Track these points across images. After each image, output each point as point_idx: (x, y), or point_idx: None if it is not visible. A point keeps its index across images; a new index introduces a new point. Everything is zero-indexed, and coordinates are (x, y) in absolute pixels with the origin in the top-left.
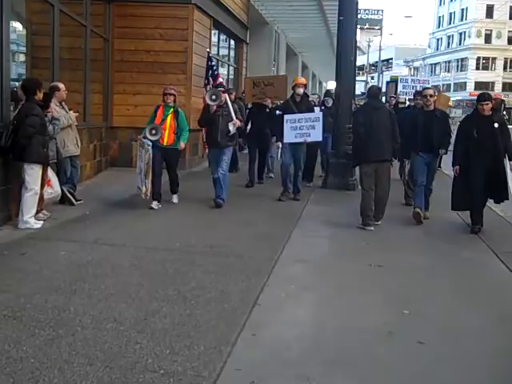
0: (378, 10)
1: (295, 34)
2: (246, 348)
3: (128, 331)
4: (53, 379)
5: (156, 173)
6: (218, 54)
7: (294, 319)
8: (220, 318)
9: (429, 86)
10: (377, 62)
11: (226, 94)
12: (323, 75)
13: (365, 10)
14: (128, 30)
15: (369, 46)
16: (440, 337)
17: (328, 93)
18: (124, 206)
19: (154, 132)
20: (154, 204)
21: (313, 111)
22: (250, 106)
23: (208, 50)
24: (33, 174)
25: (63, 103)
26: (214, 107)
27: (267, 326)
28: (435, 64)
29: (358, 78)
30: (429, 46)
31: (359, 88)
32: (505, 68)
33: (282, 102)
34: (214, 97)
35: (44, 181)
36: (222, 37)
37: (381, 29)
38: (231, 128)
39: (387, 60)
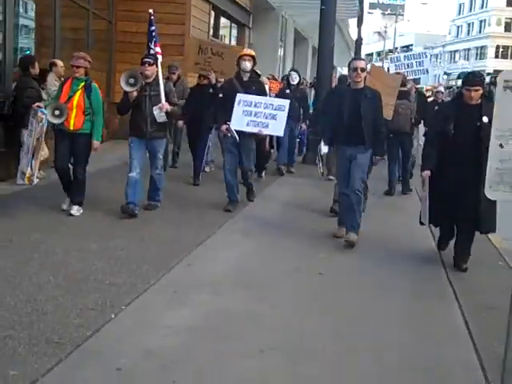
0: None
1: (303, 19)
2: (179, 272)
3: (89, 257)
4: (22, 282)
5: (60, 167)
6: (218, 37)
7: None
8: None
9: (425, 55)
10: (396, 48)
11: (154, 67)
12: (337, 60)
13: None
14: (130, 13)
15: (385, 32)
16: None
17: (293, 69)
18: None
19: (57, 113)
20: (75, 209)
21: (265, 95)
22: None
23: (151, 11)
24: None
25: (62, 79)
26: (134, 94)
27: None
28: (454, 51)
29: (378, 64)
30: (449, 33)
31: None
32: None
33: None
34: (131, 80)
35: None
36: (223, 21)
37: (402, 14)
38: (156, 113)
39: (407, 46)
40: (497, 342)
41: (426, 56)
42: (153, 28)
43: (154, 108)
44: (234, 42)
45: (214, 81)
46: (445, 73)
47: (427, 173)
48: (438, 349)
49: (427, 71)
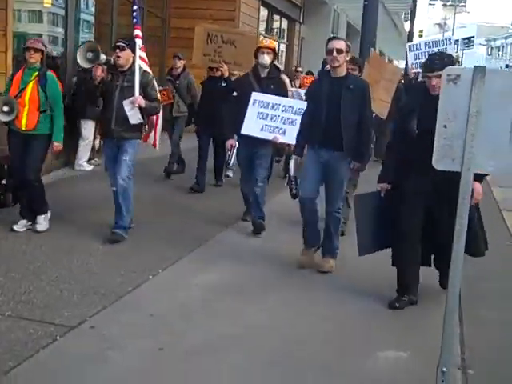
0: None
1: (356, 12)
2: None
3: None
4: (76, 248)
5: (18, 177)
6: (268, 32)
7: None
8: None
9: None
10: (457, 40)
11: (128, 52)
12: (393, 53)
13: None
14: (183, 10)
15: (444, 23)
16: None
17: None
18: None
19: (6, 109)
20: (20, 224)
21: (286, 96)
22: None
23: None
24: (87, 127)
25: None
26: (99, 73)
27: None
28: None
29: None
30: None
31: None
32: None
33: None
34: (90, 55)
35: (96, 134)
36: (273, 16)
37: (463, 5)
38: (127, 110)
39: (468, 38)
40: None
41: (451, 42)
42: (135, 7)
43: (125, 102)
44: (284, 37)
45: (226, 73)
46: (506, 65)
47: (384, 186)
48: None
49: None
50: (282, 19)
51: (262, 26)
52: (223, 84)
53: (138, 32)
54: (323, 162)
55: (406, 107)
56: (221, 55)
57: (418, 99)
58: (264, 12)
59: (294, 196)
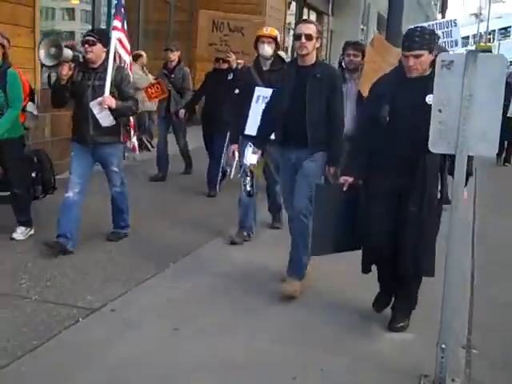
0: None
1: (386, 4)
2: None
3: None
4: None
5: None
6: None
7: None
8: None
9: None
10: (493, 30)
11: (100, 47)
12: None
13: None
14: (210, 3)
15: (480, 14)
16: None
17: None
18: None
19: (53, 52)
20: (19, 232)
21: None
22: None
23: None
24: None
25: (144, 68)
26: (64, 71)
27: None
28: None
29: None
30: None
31: None
32: None
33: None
34: (53, 50)
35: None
36: (301, 10)
37: None
38: (96, 111)
39: (505, 28)
40: None
41: (456, 24)
42: None
43: (92, 104)
44: None
45: (234, 64)
46: None
47: (346, 179)
48: None
49: (456, 43)
50: (311, 12)
51: (290, 19)
52: (230, 77)
53: (116, 23)
54: (293, 164)
55: (375, 91)
56: (228, 44)
57: (390, 83)
58: (292, 5)
59: (248, 194)
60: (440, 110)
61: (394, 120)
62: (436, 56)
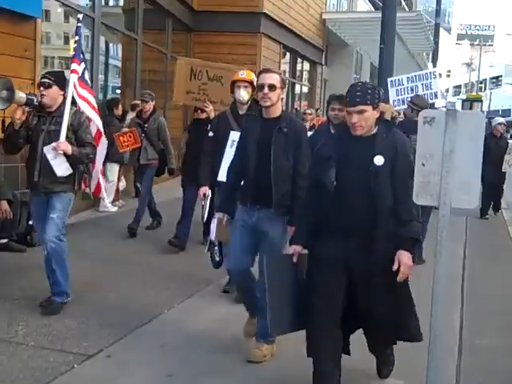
0: (489, 26)
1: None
2: None
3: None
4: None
5: None
6: (291, 76)
7: None
8: None
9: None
10: (485, 79)
11: (56, 90)
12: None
13: (475, 26)
14: (206, 55)
15: (471, 63)
16: None
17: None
18: None
19: (5, 95)
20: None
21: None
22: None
23: (80, 16)
24: (112, 170)
25: None
26: (17, 116)
27: None
28: None
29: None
30: None
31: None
32: None
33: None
34: (4, 94)
35: (120, 175)
36: (295, 60)
37: (491, 44)
38: (50, 157)
39: (496, 77)
40: None
41: (435, 76)
42: (76, 38)
43: (45, 149)
44: (306, 80)
45: (212, 114)
46: None
47: (297, 248)
48: None
49: (436, 95)
50: (304, 62)
51: (285, 67)
52: (209, 127)
53: (74, 66)
54: (253, 222)
55: (321, 153)
56: (206, 93)
57: (336, 144)
58: (286, 56)
59: (216, 265)
60: (423, 164)
61: (341, 183)
62: (381, 113)
